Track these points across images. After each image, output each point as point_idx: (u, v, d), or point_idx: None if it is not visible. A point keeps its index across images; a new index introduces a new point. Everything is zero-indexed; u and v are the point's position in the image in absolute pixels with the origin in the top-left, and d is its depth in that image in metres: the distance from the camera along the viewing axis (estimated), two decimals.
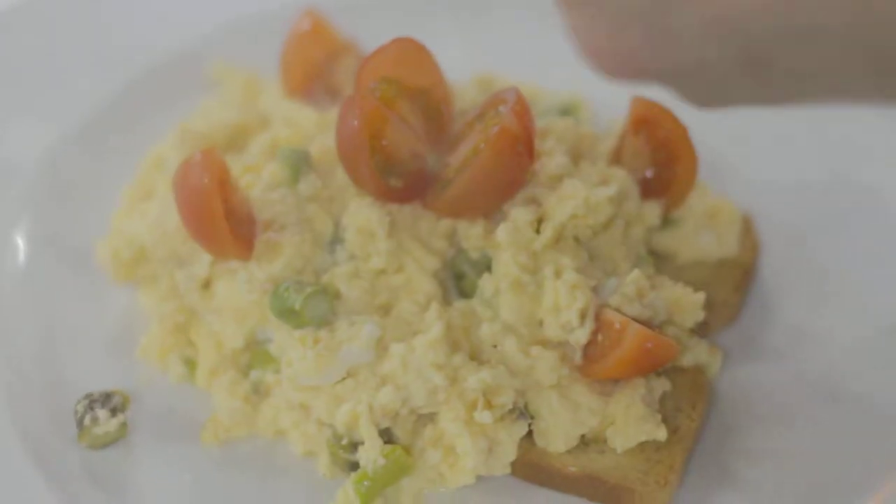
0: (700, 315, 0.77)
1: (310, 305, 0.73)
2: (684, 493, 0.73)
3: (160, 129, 0.90)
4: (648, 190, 0.81)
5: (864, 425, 0.75)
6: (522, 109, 0.74)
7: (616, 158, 0.82)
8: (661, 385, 0.75)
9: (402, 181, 0.76)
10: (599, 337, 0.73)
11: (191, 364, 0.78)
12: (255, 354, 0.77)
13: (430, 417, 0.73)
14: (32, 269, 0.83)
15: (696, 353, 0.77)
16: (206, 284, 0.78)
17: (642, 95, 0.80)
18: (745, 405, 0.77)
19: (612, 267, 0.78)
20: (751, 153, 0.91)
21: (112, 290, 0.83)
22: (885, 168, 0.88)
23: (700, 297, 0.77)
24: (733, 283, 0.82)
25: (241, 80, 0.93)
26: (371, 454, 0.71)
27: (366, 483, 0.71)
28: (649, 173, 0.81)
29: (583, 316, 0.73)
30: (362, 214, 0.76)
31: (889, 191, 0.87)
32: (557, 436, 0.73)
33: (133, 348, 0.80)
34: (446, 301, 0.76)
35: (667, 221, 0.82)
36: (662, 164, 0.81)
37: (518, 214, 0.75)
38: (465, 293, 0.77)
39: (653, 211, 0.80)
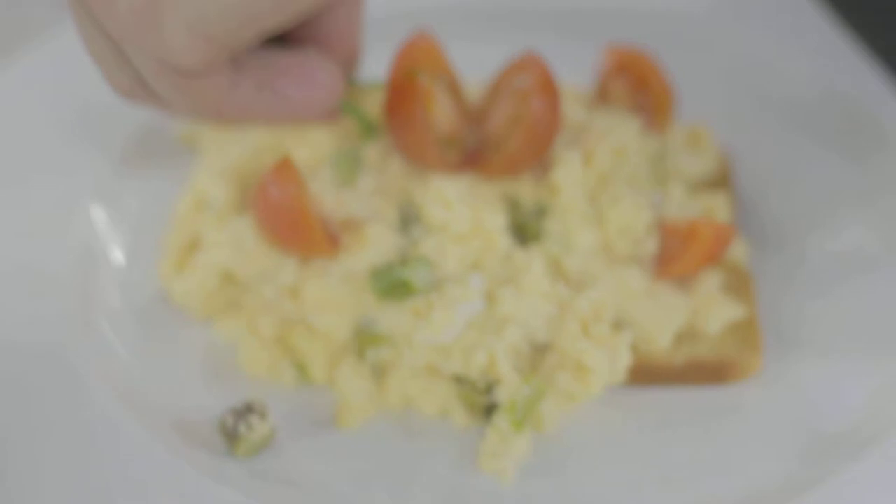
0: (729, 213, 0.88)
1: (417, 273, 0.80)
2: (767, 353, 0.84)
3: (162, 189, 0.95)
4: None
5: None
6: (545, 71, 0.84)
7: (601, 101, 0.93)
8: (718, 273, 0.86)
9: (456, 153, 0.85)
10: (666, 243, 0.83)
11: (300, 367, 0.83)
12: (365, 338, 0.82)
13: (544, 349, 0.81)
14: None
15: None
16: (295, 292, 0.83)
17: (615, 44, 0.92)
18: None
19: (639, 188, 0.88)
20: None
21: (189, 328, 0.87)
22: None
23: (726, 196, 0.88)
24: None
25: None
26: (514, 387, 0.78)
27: (517, 413, 0.78)
28: (635, 110, 0.92)
29: (649, 229, 0.83)
30: (438, 187, 0.83)
31: None
32: (656, 336, 0.82)
33: (232, 374, 0.84)
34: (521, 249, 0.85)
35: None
36: (644, 101, 0.92)
37: (568, 157, 0.85)
38: (529, 241, 0.85)
39: (651, 139, 0.91)
